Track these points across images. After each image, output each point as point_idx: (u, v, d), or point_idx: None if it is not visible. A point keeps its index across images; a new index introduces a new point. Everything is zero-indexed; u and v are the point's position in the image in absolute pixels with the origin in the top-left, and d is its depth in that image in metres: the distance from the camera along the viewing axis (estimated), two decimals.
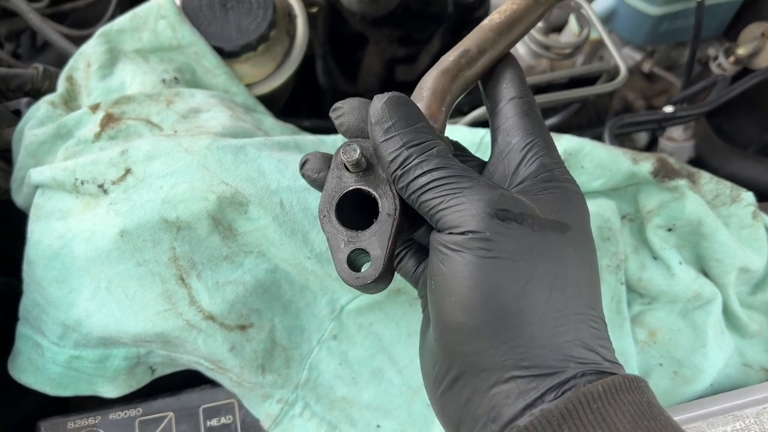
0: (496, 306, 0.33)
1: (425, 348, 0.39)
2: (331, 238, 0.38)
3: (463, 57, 0.41)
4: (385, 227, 0.38)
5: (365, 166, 0.39)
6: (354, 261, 0.38)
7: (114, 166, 0.55)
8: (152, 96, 0.62)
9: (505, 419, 0.33)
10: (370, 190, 0.39)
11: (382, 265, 0.37)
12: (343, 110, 0.41)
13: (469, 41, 0.42)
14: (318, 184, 0.41)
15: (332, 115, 0.41)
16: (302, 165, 0.42)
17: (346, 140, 0.40)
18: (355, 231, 0.38)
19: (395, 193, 0.38)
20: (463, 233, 0.35)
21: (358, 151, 0.37)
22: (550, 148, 0.40)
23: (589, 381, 0.33)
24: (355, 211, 0.40)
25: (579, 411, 0.31)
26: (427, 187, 0.36)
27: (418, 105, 0.39)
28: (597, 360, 0.34)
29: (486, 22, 0.43)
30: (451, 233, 0.35)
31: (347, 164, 0.38)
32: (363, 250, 0.38)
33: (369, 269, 0.37)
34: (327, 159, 0.41)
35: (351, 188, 0.39)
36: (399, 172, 0.37)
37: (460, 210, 0.35)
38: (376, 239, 0.38)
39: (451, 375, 0.36)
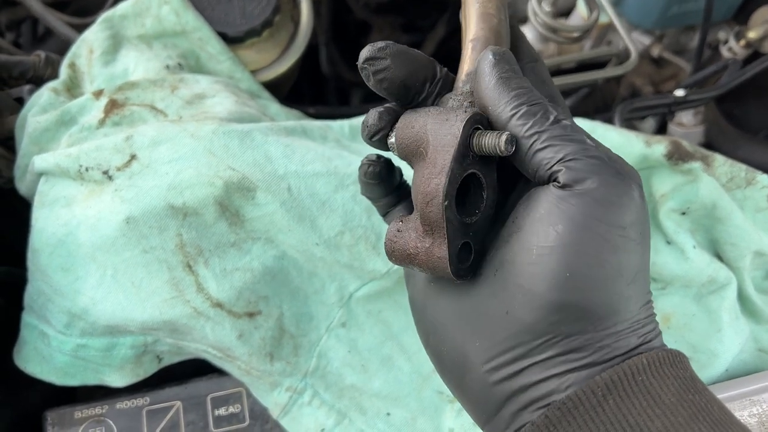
0: (610, 290, 0.32)
1: (482, 319, 0.35)
2: (449, 227, 0.34)
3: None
4: (485, 220, 0.36)
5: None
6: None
7: (119, 152, 0.54)
8: (156, 82, 0.61)
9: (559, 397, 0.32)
10: (483, 177, 0.35)
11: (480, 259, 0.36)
12: (387, 63, 0.35)
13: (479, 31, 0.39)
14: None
15: (368, 66, 0.35)
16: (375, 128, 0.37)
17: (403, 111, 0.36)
18: (464, 221, 0.35)
19: (496, 185, 0.36)
20: (594, 191, 0.32)
21: (513, 138, 0.34)
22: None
23: None
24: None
25: (624, 382, 0.31)
26: (552, 142, 0.33)
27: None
28: (663, 347, 0.33)
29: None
30: (575, 191, 0.32)
31: (493, 148, 0.34)
32: (470, 245, 0.36)
33: (471, 263, 0.36)
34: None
35: (469, 171, 0.35)
36: (522, 122, 0.33)
37: (591, 163, 0.32)
38: (475, 234, 0.36)
39: (519, 353, 0.33)
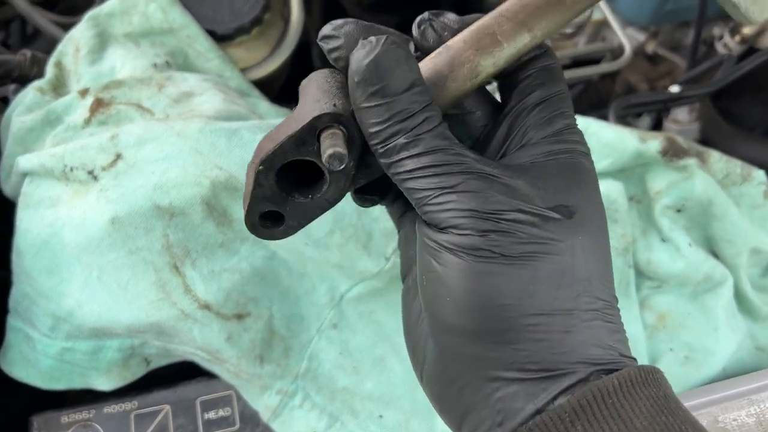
0: (496, 308, 0.31)
1: (416, 332, 0.36)
2: (257, 190, 0.33)
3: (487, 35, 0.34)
4: (316, 209, 0.34)
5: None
6: (266, 216, 0.35)
7: (104, 152, 0.53)
8: (143, 80, 0.60)
9: (515, 423, 0.31)
10: (326, 171, 0.33)
11: (292, 234, 0.35)
12: (340, 42, 0.33)
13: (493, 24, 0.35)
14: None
15: (323, 44, 0.33)
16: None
17: None
18: (286, 196, 0.34)
19: (347, 186, 0.34)
20: (451, 231, 0.31)
21: (346, 160, 0.31)
22: (568, 108, 0.35)
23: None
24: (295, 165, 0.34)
25: (593, 406, 0.29)
26: (414, 175, 0.31)
27: (434, 60, 0.33)
28: (613, 358, 0.31)
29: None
30: (441, 231, 0.32)
31: (322, 149, 0.32)
32: (282, 215, 0.34)
33: (279, 232, 0.35)
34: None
35: (307, 158, 0.33)
36: (381, 149, 0.32)
37: (449, 209, 0.31)
38: (300, 214, 0.35)
39: (449, 375, 0.33)
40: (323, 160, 0.31)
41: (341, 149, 0.31)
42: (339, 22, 0.34)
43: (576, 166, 0.34)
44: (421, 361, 0.36)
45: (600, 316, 0.32)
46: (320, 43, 0.34)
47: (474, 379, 0.32)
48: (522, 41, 0.34)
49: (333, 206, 0.35)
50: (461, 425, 0.34)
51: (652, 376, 0.31)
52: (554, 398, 0.30)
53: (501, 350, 0.31)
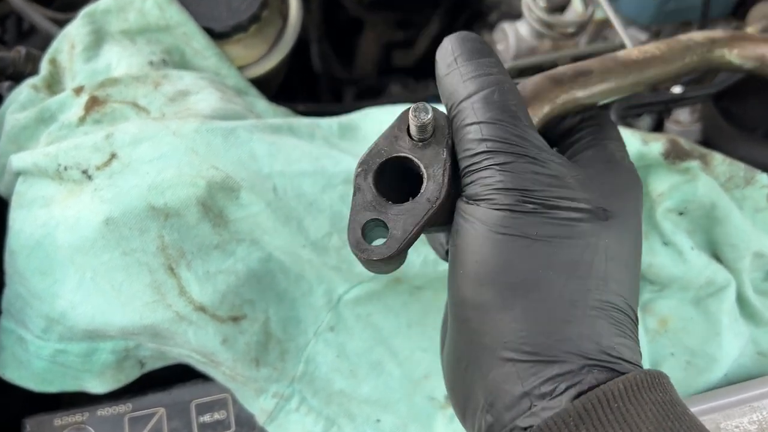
0: (503, 284, 0.32)
1: (444, 324, 0.38)
2: (357, 196, 0.34)
3: (580, 74, 0.38)
4: (419, 211, 0.34)
5: (429, 136, 0.35)
6: (370, 230, 0.35)
7: (98, 151, 0.52)
8: (139, 78, 0.59)
9: (503, 405, 0.31)
10: (422, 165, 0.34)
11: (397, 248, 0.34)
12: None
13: (594, 63, 0.38)
14: None
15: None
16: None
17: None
18: (385, 200, 0.34)
19: (446, 182, 0.34)
20: (482, 204, 0.32)
21: (430, 114, 0.33)
22: (620, 141, 0.39)
23: (596, 377, 0.30)
24: (396, 182, 0.36)
25: (598, 410, 0.29)
26: (471, 139, 0.33)
27: (534, 80, 0.37)
28: (608, 359, 0.31)
29: (621, 53, 0.39)
30: (470, 202, 0.33)
31: (412, 125, 0.34)
32: (384, 223, 0.34)
33: (381, 246, 0.34)
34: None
35: (402, 154, 0.35)
36: (453, 111, 0.34)
37: (488, 182, 0.33)
38: (402, 219, 0.34)
39: (458, 353, 0.34)
40: (411, 131, 0.33)
41: (427, 114, 0.33)
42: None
43: (627, 182, 0.36)
44: (443, 345, 0.38)
45: (605, 316, 0.32)
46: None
47: (475, 357, 0.33)
48: (612, 84, 0.38)
49: (435, 209, 0.34)
50: (465, 409, 0.34)
51: (658, 381, 0.31)
52: (542, 384, 0.31)
53: (501, 327, 0.32)
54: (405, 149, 0.35)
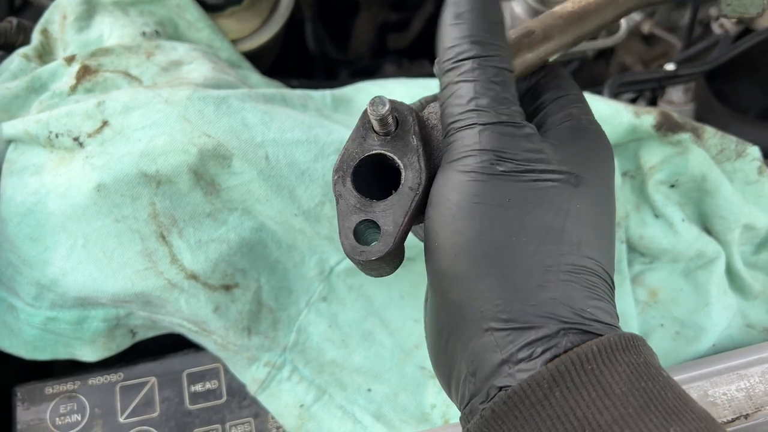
0: (477, 254, 0.32)
1: (427, 300, 0.38)
2: (341, 203, 0.34)
3: (525, 37, 0.37)
4: (404, 201, 0.34)
5: (393, 129, 0.35)
6: (362, 233, 0.34)
7: (90, 118, 0.52)
8: (131, 48, 0.59)
9: (484, 374, 0.32)
10: (395, 157, 0.34)
11: (392, 243, 0.33)
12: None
13: (535, 23, 0.38)
14: None
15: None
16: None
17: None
18: (369, 200, 0.34)
19: (423, 166, 0.34)
20: (457, 167, 0.33)
21: (387, 106, 0.33)
22: (583, 102, 0.38)
23: (572, 341, 0.31)
24: (375, 182, 0.36)
25: (572, 372, 0.29)
26: (461, 95, 0.33)
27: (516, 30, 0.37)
28: (582, 321, 0.31)
29: (557, 8, 0.39)
30: (446, 170, 0.33)
31: (373, 120, 0.34)
32: (374, 222, 0.34)
33: (377, 245, 0.34)
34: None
35: (374, 152, 0.34)
36: (447, 65, 0.34)
37: (467, 142, 0.33)
38: (391, 213, 0.34)
39: (439, 325, 0.34)
40: (374, 126, 0.34)
41: (384, 106, 0.33)
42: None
43: (596, 147, 0.36)
44: (425, 318, 0.38)
45: (579, 279, 0.32)
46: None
47: (455, 329, 0.33)
48: (557, 40, 0.38)
49: (419, 195, 0.34)
50: (450, 380, 0.35)
51: (632, 343, 0.31)
52: (519, 350, 0.31)
53: (478, 298, 0.32)
54: (375, 146, 0.35)
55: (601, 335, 0.31)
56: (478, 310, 0.32)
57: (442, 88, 0.35)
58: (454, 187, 0.32)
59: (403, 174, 0.34)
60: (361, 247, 0.34)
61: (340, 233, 0.34)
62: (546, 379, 0.29)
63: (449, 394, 0.36)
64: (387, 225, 0.34)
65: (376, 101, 0.33)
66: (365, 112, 0.34)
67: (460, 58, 0.34)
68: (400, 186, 0.34)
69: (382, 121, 0.34)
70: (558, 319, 0.31)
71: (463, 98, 0.33)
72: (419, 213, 0.35)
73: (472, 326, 0.32)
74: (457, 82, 0.34)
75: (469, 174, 0.32)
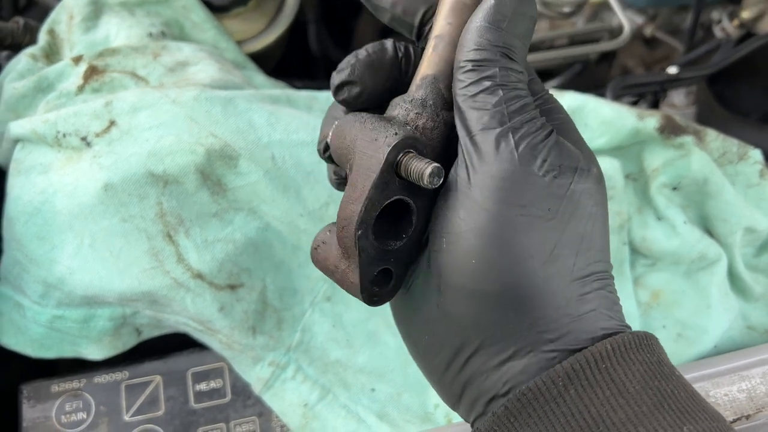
0: (522, 272, 0.30)
1: (422, 317, 0.34)
2: (363, 258, 0.32)
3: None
4: (409, 250, 0.33)
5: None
6: (375, 279, 0.34)
7: (98, 118, 0.53)
8: (138, 49, 0.59)
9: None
10: (411, 202, 0.32)
11: (403, 284, 0.34)
12: (355, 75, 0.33)
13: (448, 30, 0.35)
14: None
15: (339, 87, 0.34)
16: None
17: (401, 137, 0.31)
18: (385, 249, 0.33)
19: (429, 206, 0.33)
20: (493, 174, 0.30)
21: (440, 170, 0.31)
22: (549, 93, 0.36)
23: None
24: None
25: (586, 371, 0.29)
26: (483, 102, 0.31)
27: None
28: (619, 327, 0.31)
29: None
30: (479, 171, 0.30)
31: (417, 178, 0.30)
32: (389, 269, 0.33)
33: (390, 289, 0.34)
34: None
35: (394, 198, 0.32)
36: (469, 66, 0.31)
37: (499, 148, 0.30)
38: (403, 258, 0.33)
39: (457, 346, 0.32)
40: (425, 181, 0.30)
41: (435, 163, 0.30)
42: (346, 68, 0.34)
43: (576, 132, 0.34)
44: (420, 334, 0.35)
45: (605, 285, 0.32)
46: (337, 88, 0.34)
47: (486, 350, 0.31)
48: None
49: (424, 234, 0.34)
50: (461, 396, 0.33)
51: (645, 342, 0.31)
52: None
53: (521, 318, 0.30)
54: (396, 191, 0.32)
55: (614, 334, 0.31)
56: (522, 330, 0.31)
57: (461, 87, 0.32)
58: (489, 196, 0.30)
59: (414, 217, 0.33)
60: (377, 294, 0.34)
61: (361, 286, 0.33)
62: (561, 377, 0.29)
63: (454, 407, 0.35)
64: (399, 270, 0.34)
65: (435, 171, 0.30)
66: (392, 157, 0.31)
67: (486, 61, 0.32)
68: (412, 228, 0.33)
69: (437, 174, 0.31)
70: (604, 332, 0.31)
71: (488, 102, 0.31)
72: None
73: (510, 347, 0.31)
74: (484, 85, 0.31)
75: (505, 180, 0.30)
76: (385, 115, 0.34)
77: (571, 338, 0.30)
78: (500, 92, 0.31)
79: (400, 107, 0.33)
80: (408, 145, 0.31)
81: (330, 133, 0.34)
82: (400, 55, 0.35)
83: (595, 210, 0.32)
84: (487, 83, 0.31)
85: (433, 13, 0.35)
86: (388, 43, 0.35)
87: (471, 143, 0.31)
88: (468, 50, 0.32)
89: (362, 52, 0.34)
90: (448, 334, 0.33)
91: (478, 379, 0.32)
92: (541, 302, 0.30)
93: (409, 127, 0.32)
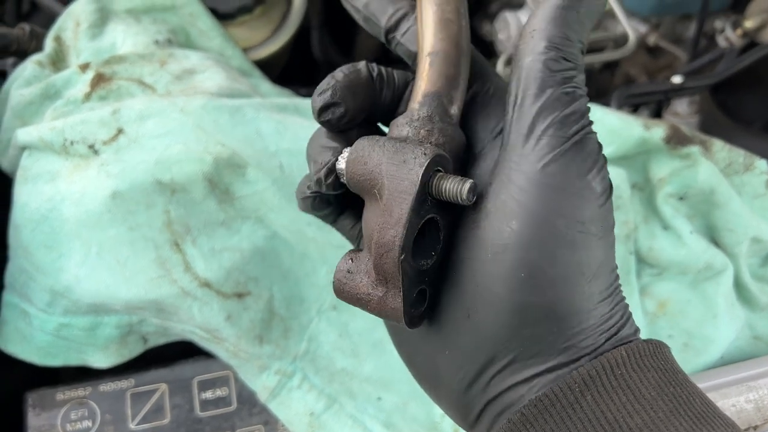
0: (571, 289, 0.30)
1: (442, 334, 0.34)
2: (405, 281, 0.32)
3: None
4: (435, 266, 0.33)
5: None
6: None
7: (105, 126, 0.53)
8: (145, 56, 0.59)
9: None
10: (440, 219, 0.32)
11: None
12: (338, 96, 0.33)
13: (438, 45, 0.34)
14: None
15: (324, 109, 0.33)
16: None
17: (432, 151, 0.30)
18: (421, 270, 0.33)
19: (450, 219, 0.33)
20: (553, 181, 0.30)
21: (476, 185, 0.31)
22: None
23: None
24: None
25: (602, 377, 0.29)
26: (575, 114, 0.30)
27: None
28: (631, 335, 0.32)
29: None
30: (538, 185, 0.30)
31: (454, 197, 0.30)
32: (425, 288, 0.33)
33: (425, 307, 0.33)
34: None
35: (428, 217, 0.32)
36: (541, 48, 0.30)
37: (558, 148, 0.30)
38: (433, 276, 0.33)
39: (483, 362, 0.32)
40: (463, 198, 0.30)
41: (470, 179, 0.30)
42: (327, 89, 0.33)
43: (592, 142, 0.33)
44: (436, 353, 0.34)
45: (620, 292, 0.32)
46: (321, 118, 0.33)
47: (518, 362, 0.31)
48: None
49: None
50: (482, 413, 0.33)
51: (659, 350, 0.31)
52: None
53: (558, 333, 0.30)
54: (430, 210, 0.32)
55: (627, 342, 0.31)
56: (547, 345, 0.30)
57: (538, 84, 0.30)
58: (549, 209, 0.30)
59: (441, 235, 0.33)
60: (415, 316, 0.33)
61: (404, 308, 0.32)
62: (578, 383, 0.29)
63: (471, 426, 0.34)
64: (431, 288, 0.34)
65: (472, 188, 0.30)
66: (434, 180, 0.31)
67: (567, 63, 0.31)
68: (440, 247, 0.33)
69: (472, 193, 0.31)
70: (626, 341, 0.31)
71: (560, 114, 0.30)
72: None
73: (549, 360, 0.31)
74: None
75: (567, 195, 0.30)
76: (393, 136, 0.33)
77: (599, 353, 0.30)
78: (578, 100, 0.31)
79: (408, 127, 0.33)
80: (437, 162, 0.31)
81: (343, 161, 0.33)
82: (374, 75, 0.34)
83: (612, 215, 0.32)
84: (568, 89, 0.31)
85: (402, 16, 0.34)
86: (361, 64, 0.34)
87: (531, 152, 0.30)
88: (552, 39, 0.31)
89: (339, 74, 0.33)
90: (477, 349, 0.32)
91: (506, 394, 0.32)
92: (579, 319, 0.30)
93: (431, 146, 0.32)
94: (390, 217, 0.31)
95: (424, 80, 0.33)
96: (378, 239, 0.31)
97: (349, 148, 0.33)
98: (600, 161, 0.31)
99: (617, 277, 0.32)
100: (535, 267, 0.30)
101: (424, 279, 0.33)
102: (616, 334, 0.31)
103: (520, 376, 0.31)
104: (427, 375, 0.36)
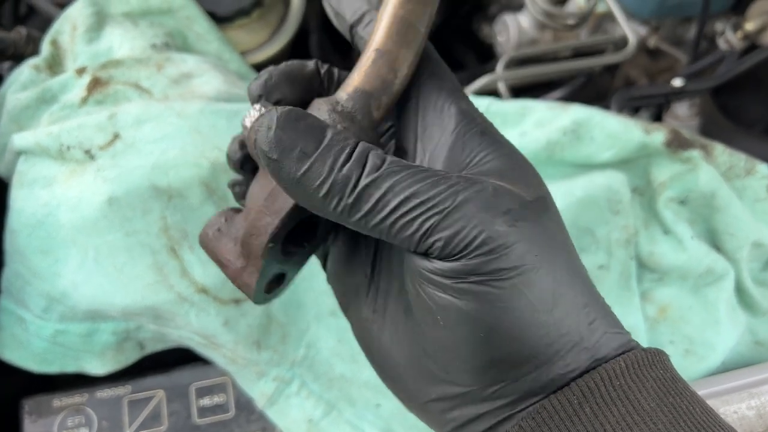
0: (530, 333, 0.29)
1: (417, 346, 0.32)
2: (265, 263, 0.32)
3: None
4: (304, 257, 0.35)
5: None
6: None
7: (101, 131, 0.52)
8: (142, 60, 0.59)
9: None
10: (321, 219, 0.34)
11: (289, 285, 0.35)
12: (272, 82, 0.33)
13: (381, 43, 0.32)
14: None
15: (258, 97, 0.32)
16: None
17: None
18: (285, 256, 0.33)
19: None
20: (440, 264, 0.29)
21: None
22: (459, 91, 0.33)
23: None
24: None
25: (601, 388, 0.29)
26: (404, 208, 0.28)
27: (374, 67, 0.31)
28: (627, 343, 0.31)
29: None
30: (428, 260, 0.29)
31: None
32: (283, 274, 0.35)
33: (280, 289, 0.35)
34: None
35: (309, 214, 0.31)
36: (347, 202, 0.28)
37: (468, 224, 0.28)
38: (299, 262, 0.35)
39: (459, 396, 0.31)
40: None
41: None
42: (261, 74, 0.33)
43: (514, 154, 0.32)
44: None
45: (604, 303, 0.32)
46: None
47: (493, 411, 0.30)
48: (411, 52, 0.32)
49: (322, 244, 0.35)
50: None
51: (658, 359, 0.31)
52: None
53: (535, 370, 0.29)
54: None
55: (626, 351, 0.30)
56: (525, 388, 0.30)
57: (362, 222, 0.29)
58: (445, 285, 0.29)
59: (320, 228, 0.34)
60: (267, 295, 0.35)
61: (256, 287, 0.32)
62: (576, 396, 0.29)
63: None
64: (291, 273, 0.35)
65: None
66: None
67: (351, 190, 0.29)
68: (314, 241, 0.34)
69: None
70: (620, 350, 0.30)
71: (403, 218, 0.29)
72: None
73: (525, 396, 0.30)
74: (375, 206, 0.29)
75: (449, 264, 0.29)
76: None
77: (589, 369, 0.30)
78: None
79: (328, 115, 0.31)
80: None
81: (248, 120, 0.32)
82: (322, 71, 0.34)
83: (564, 234, 0.31)
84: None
85: (367, 10, 0.33)
86: (310, 62, 0.34)
87: (430, 242, 0.29)
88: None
89: (281, 65, 0.34)
90: (448, 386, 0.32)
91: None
92: (556, 348, 0.29)
93: None
94: (272, 203, 0.31)
95: (361, 75, 0.32)
96: (253, 221, 0.31)
97: (260, 109, 0.32)
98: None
99: (588, 279, 0.31)
100: (487, 330, 0.29)
101: (286, 264, 0.33)
102: (604, 345, 0.30)
103: (502, 414, 0.30)
104: (398, 385, 0.36)
